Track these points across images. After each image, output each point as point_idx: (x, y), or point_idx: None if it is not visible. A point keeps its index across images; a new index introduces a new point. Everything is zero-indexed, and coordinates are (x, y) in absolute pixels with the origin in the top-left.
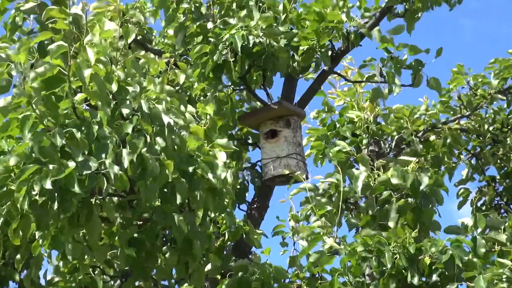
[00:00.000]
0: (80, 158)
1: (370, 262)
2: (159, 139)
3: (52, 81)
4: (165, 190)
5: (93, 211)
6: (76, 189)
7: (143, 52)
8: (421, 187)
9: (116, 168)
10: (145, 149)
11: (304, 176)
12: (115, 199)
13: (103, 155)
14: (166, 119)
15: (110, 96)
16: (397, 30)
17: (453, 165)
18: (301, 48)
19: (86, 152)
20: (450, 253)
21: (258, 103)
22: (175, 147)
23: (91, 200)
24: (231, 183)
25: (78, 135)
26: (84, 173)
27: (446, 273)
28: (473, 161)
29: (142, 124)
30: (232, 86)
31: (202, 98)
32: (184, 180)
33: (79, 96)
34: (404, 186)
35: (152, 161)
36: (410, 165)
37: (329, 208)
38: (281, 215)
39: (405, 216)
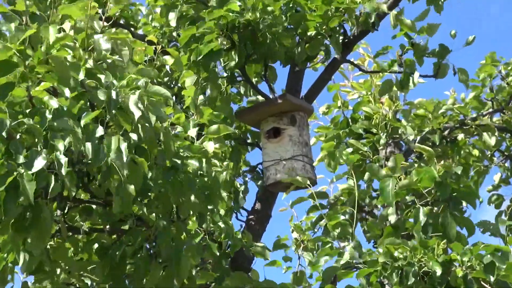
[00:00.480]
0: (22, 159)
1: (391, 277)
2: (133, 135)
3: (4, 66)
4: (149, 194)
5: (42, 214)
6: (27, 189)
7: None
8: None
9: (63, 160)
10: (114, 146)
11: (308, 182)
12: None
13: (59, 149)
14: (136, 112)
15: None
16: (423, 15)
17: (484, 168)
18: (308, 33)
19: (40, 147)
20: (490, 259)
21: (259, 97)
22: (162, 145)
23: (39, 201)
24: (224, 180)
25: (30, 122)
26: (31, 171)
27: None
28: (507, 164)
29: (119, 118)
30: (228, 77)
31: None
32: (173, 180)
33: (42, 86)
34: (430, 191)
35: (118, 160)
36: (437, 167)
37: (342, 217)
38: (285, 225)
39: (431, 225)
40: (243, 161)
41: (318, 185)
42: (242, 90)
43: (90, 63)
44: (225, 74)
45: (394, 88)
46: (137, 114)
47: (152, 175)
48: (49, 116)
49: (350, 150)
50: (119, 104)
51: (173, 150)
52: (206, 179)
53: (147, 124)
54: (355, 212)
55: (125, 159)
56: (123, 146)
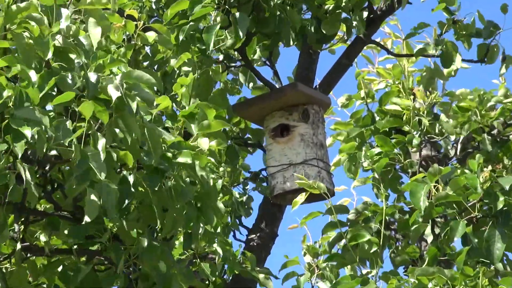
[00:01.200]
0: None
1: None
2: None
3: None
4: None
5: None
6: None
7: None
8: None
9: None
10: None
11: (323, 190)
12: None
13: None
14: (114, 93)
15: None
16: None
17: None
18: (325, 6)
19: None
20: None
21: (263, 86)
22: (149, 144)
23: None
24: (219, 190)
25: None
26: None
27: None
28: None
29: (95, 107)
30: (225, 61)
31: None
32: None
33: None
34: (475, 205)
35: (94, 160)
36: (483, 174)
37: (367, 237)
38: (296, 247)
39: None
40: (242, 166)
41: (336, 197)
42: (241, 79)
43: (59, 40)
44: (220, 58)
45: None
46: (114, 94)
47: (134, 181)
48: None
49: (375, 151)
50: (97, 91)
51: (161, 149)
52: (199, 187)
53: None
54: (382, 230)
55: (102, 158)
56: (101, 143)
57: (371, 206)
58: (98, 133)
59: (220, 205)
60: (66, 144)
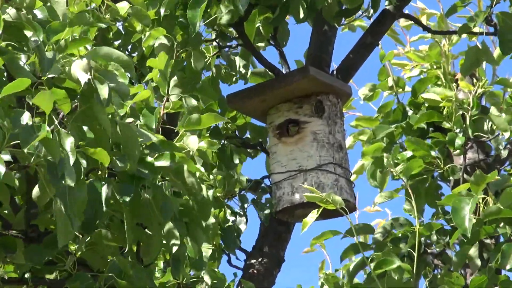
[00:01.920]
0: None
1: None
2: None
3: None
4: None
5: None
6: None
7: None
8: None
9: None
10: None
11: (344, 205)
12: None
13: None
14: (83, 76)
15: None
16: None
17: None
18: None
19: None
20: None
21: (264, 71)
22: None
23: None
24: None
25: None
26: None
27: None
28: None
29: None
30: (217, 40)
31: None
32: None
33: None
34: None
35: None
36: None
37: (397, 263)
38: (311, 275)
39: None
40: (239, 173)
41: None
42: (238, 63)
43: (10, 13)
44: (211, 37)
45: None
46: (83, 77)
47: (108, 193)
48: None
49: (408, 154)
50: (59, 73)
51: (138, 151)
52: (185, 198)
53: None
54: (416, 255)
55: (71, 161)
56: (68, 142)
57: (402, 223)
58: (63, 130)
59: (211, 220)
60: (27, 148)
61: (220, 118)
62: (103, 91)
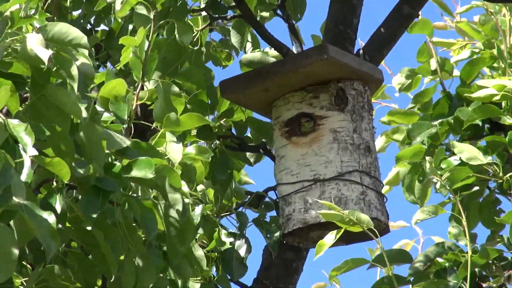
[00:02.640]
0: None
1: None
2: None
3: None
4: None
5: None
6: None
7: None
8: None
9: None
10: None
11: (367, 226)
12: None
13: None
14: (44, 52)
15: None
16: None
17: None
18: None
19: None
20: None
21: (270, 52)
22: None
23: None
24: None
25: None
26: None
27: None
28: None
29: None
30: (208, 11)
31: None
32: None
33: None
34: None
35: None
36: None
37: None
38: None
39: None
40: (236, 183)
41: (393, 234)
42: (235, 39)
43: None
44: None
45: None
46: (45, 54)
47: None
48: None
49: (455, 161)
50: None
51: (103, 156)
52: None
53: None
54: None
55: (26, 170)
56: (27, 142)
57: (449, 250)
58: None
59: (199, 252)
60: None
61: (204, 121)
62: (71, 68)
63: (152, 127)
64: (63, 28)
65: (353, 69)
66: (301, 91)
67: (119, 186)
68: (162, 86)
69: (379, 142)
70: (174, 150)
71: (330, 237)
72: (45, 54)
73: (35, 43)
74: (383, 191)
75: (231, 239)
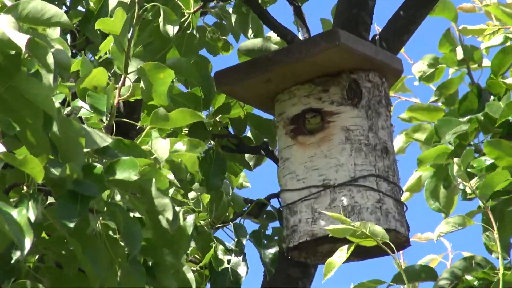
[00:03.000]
0: None
1: None
2: None
3: None
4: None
5: None
6: None
7: None
8: None
9: None
10: None
11: (383, 240)
12: None
13: None
14: (21, 37)
15: None
16: None
17: None
18: None
19: None
20: None
21: (273, 38)
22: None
23: None
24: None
25: None
26: None
27: None
28: None
29: None
30: None
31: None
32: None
33: None
34: None
35: None
36: None
37: None
38: None
39: None
40: (233, 190)
41: (415, 248)
42: (233, 23)
43: None
44: None
45: None
46: (22, 40)
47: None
48: None
49: (487, 162)
50: None
51: (81, 156)
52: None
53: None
54: None
55: None
56: None
57: (479, 266)
58: None
59: (189, 274)
60: None
61: (198, 117)
62: (47, 56)
63: (137, 127)
64: (38, 5)
65: (368, 58)
66: (308, 84)
67: (101, 191)
68: (146, 70)
69: (398, 142)
70: (160, 147)
71: (341, 254)
72: (22, 40)
73: (7, 26)
74: (402, 198)
75: (229, 257)
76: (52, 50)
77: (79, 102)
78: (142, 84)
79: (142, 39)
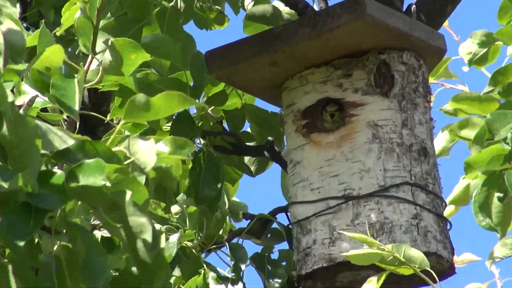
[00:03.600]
0: None
1: None
2: None
3: None
4: None
5: None
6: None
7: None
8: None
9: None
10: None
11: (421, 267)
12: None
13: None
14: None
15: None
16: None
17: None
18: None
19: None
20: None
21: (282, 9)
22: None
23: None
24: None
25: None
26: None
27: None
28: None
29: None
30: None
31: None
32: None
33: None
34: None
35: None
36: None
37: None
38: None
39: None
40: (230, 201)
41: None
42: None
43: None
44: None
45: None
46: None
47: None
48: None
49: None
50: None
51: (38, 161)
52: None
53: None
54: None
55: None
56: None
57: None
58: None
59: None
60: None
61: (189, 102)
62: None
63: (105, 121)
64: None
65: (401, 34)
66: (325, 67)
67: (61, 204)
68: (116, 45)
69: (440, 141)
70: (143, 149)
71: (371, 286)
72: None
73: None
74: (445, 213)
75: (223, 287)
76: (3, 28)
77: (25, 87)
78: (109, 58)
79: (111, 9)
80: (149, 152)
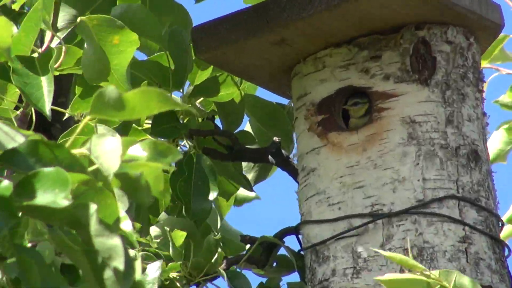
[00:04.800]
0: None
1: None
2: None
3: None
4: None
5: None
6: None
7: None
8: None
9: None
10: None
11: None
12: None
13: None
14: None
15: None
16: None
17: None
18: None
19: None
20: None
21: None
22: None
23: None
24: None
25: None
26: None
27: None
28: None
29: None
30: None
31: None
32: None
33: None
34: None
35: None
36: None
37: None
38: None
39: None
40: (222, 220)
41: None
42: None
43: None
44: None
45: None
46: None
47: None
48: None
49: None
50: None
51: None
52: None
53: None
54: None
55: None
56: None
57: None
58: None
59: None
60: None
61: (171, 103)
62: None
63: (65, 117)
64: None
65: (445, 4)
66: (347, 46)
67: (8, 224)
68: (88, 24)
69: (496, 142)
70: (106, 151)
71: None
72: None
73: None
74: (502, 234)
75: None
76: None
77: None
78: (85, 46)
79: None
80: (112, 155)
